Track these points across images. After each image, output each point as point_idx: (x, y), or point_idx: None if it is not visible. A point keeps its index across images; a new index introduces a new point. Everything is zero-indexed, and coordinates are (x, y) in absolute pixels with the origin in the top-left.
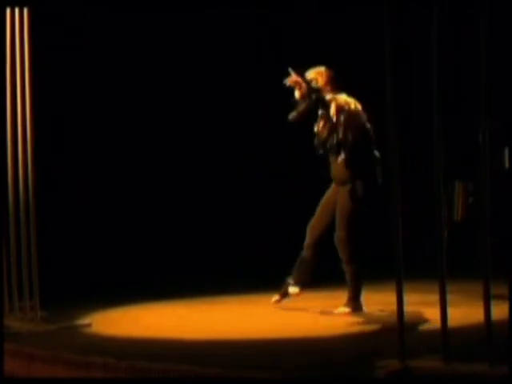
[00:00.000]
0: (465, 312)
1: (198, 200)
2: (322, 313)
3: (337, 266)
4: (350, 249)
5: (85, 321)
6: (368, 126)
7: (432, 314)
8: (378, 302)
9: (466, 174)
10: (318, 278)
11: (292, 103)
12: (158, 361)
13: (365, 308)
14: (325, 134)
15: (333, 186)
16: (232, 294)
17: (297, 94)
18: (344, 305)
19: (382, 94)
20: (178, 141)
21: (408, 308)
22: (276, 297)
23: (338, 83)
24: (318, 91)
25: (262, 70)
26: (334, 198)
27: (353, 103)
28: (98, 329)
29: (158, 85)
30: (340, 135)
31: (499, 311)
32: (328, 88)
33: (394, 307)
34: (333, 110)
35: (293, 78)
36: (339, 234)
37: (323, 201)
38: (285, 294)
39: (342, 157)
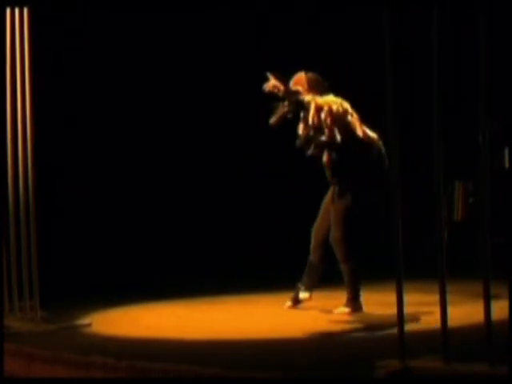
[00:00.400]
0: (465, 312)
1: (197, 200)
2: (322, 313)
3: (336, 267)
4: (346, 249)
5: (85, 321)
6: (353, 126)
7: (432, 314)
8: (378, 302)
9: (465, 173)
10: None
11: (271, 107)
12: (158, 361)
13: (364, 308)
14: (304, 135)
15: (331, 186)
16: (232, 294)
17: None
18: (344, 305)
19: (382, 94)
20: (178, 141)
21: (408, 308)
22: (288, 303)
23: (322, 84)
24: (296, 93)
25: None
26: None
27: (336, 104)
28: (98, 329)
29: (157, 85)
30: (320, 136)
31: (499, 311)
32: (312, 94)
33: (394, 307)
34: (312, 111)
35: (270, 83)
36: (334, 235)
37: (323, 202)
38: (297, 301)
39: (324, 158)
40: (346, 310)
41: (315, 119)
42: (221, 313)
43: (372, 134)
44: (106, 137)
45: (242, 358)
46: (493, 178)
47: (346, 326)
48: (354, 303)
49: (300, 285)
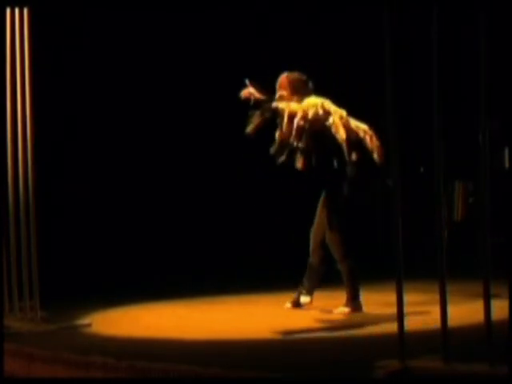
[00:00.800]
0: (465, 312)
1: (198, 200)
2: (322, 313)
3: (335, 267)
4: (342, 248)
5: (85, 321)
6: (335, 128)
7: (432, 314)
8: (378, 302)
9: (466, 173)
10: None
11: (247, 116)
12: (158, 361)
13: (364, 308)
14: (278, 142)
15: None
16: (232, 294)
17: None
18: (344, 305)
19: (382, 94)
20: (178, 141)
21: (408, 308)
22: (288, 304)
23: (305, 84)
24: (269, 101)
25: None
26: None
27: (315, 107)
28: (98, 329)
29: (157, 84)
30: (294, 142)
31: (499, 311)
32: (296, 97)
33: (394, 307)
34: (285, 118)
35: (246, 91)
36: (329, 236)
37: (319, 204)
38: (297, 304)
39: (299, 163)
40: (346, 309)
41: (288, 126)
42: (221, 313)
43: (361, 127)
44: (106, 136)
45: (242, 358)
46: (493, 178)
47: (346, 326)
48: (354, 303)
49: (301, 288)
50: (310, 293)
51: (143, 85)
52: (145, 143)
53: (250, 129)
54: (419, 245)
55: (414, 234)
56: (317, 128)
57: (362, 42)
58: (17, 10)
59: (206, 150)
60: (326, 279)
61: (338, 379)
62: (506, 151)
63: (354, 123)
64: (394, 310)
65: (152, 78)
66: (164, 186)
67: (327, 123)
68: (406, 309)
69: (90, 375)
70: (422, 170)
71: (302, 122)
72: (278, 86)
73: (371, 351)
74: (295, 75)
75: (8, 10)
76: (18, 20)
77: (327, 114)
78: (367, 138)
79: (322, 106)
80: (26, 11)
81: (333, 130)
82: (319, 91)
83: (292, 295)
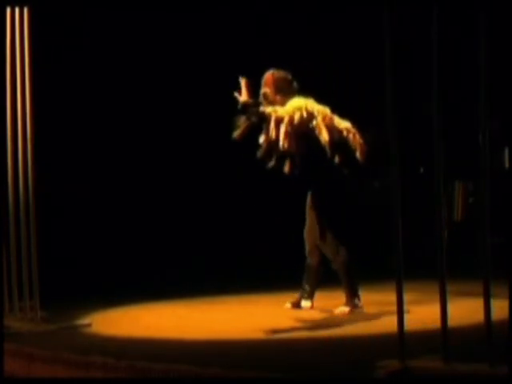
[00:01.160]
0: (465, 312)
1: (198, 200)
2: (322, 313)
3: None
4: (334, 249)
5: (85, 321)
6: (318, 130)
7: (432, 314)
8: (378, 302)
9: (466, 173)
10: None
11: (234, 121)
12: (158, 361)
13: (364, 308)
14: (265, 146)
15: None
16: (232, 294)
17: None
18: (343, 304)
19: (382, 94)
20: (178, 141)
21: (408, 308)
22: (288, 305)
23: (290, 84)
24: (255, 106)
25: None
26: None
27: (300, 109)
28: (98, 329)
29: (157, 84)
30: (280, 147)
31: (499, 311)
32: (280, 96)
33: (394, 307)
34: (272, 123)
35: (238, 93)
36: (320, 237)
37: (307, 206)
38: (297, 306)
39: (286, 167)
40: (346, 309)
41: (275, 132)
42: (221, 313)
43: (344, 125)
44: (106, 136)
45: (242, 358)
46: (493, 178)
47: (346, 326)
48: (354, 302)
49: (303, 292)
50: (310, 297)
51: (143, 85)
52: (145, 143)
53: (236, 134)
54: (419, 245)
55: (413, 234)
56: (301, 131)
57: (361, 41)
58: (17, 10)
59: (206, 150)
60: (326, 279)
61: (338, 379)
62: (506, 151)
63: (337, 121)
64: (394, 309)
65: (152, 78)
66: (164, 186)
67: (311, 125)
68: (405, 309)
69: (90, 375)
70: (421, 170)
71: (289, 128)
72: (263, 83)
73: (371, 351)
74: (280, 74)
75: (8, 10)
76: (18, 19)
77: (311, 115)
78: (350, 136)
79: (306, 109)
80: (26, 11)
81: (316, 131)
82: (319, 91)
83: (292, 295)
